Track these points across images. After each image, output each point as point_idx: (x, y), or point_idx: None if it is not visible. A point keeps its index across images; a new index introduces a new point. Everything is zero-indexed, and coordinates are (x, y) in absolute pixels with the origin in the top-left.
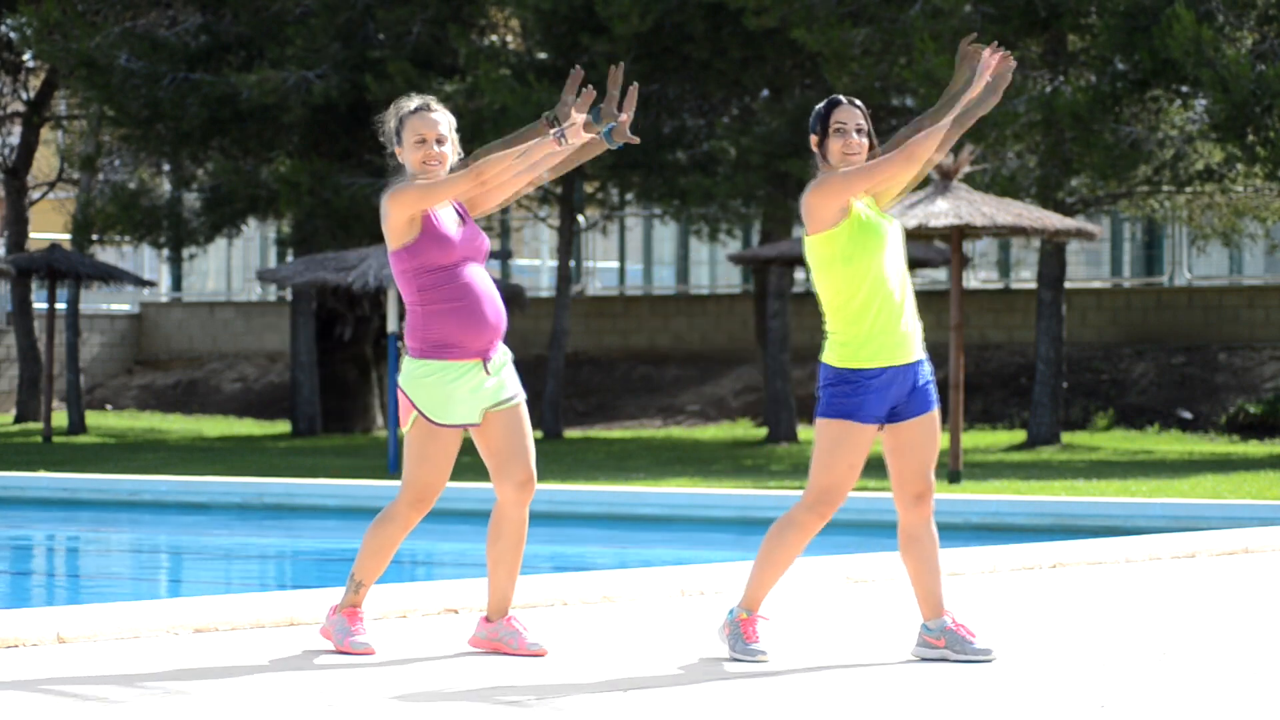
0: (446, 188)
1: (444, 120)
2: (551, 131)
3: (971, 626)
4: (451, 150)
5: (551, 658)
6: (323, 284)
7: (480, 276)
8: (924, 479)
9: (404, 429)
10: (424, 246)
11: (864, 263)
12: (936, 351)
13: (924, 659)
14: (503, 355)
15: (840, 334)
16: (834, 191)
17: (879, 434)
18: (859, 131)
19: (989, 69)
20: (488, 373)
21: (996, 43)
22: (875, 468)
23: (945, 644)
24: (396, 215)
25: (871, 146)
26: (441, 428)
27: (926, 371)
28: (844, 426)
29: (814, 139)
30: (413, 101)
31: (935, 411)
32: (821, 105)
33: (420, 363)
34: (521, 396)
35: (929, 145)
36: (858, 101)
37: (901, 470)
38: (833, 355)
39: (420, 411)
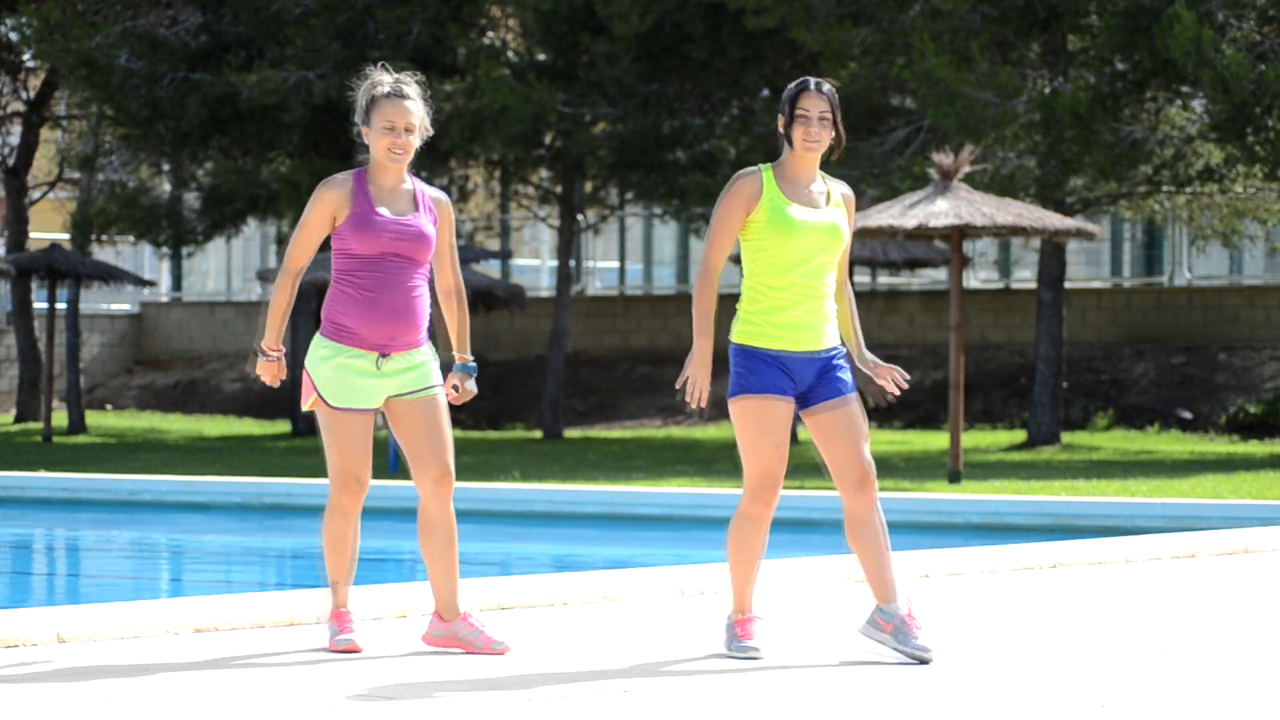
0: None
1: (417, 108)
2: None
3: (920, 620)
4: (419, 137)
5: (552, 657)
6: (323, 284)
7: (403, 276)
8: (859, 464)
9: (304, 407)
10: (346, 232)
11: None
12: (936, 352)
13: (868, 637)
14: (406, 360)
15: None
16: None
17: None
18: (821, 120)
19: (879, 380)
20: (377, 369)
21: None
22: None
23: (892, 630)
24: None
25: (837, 134)
26: (338, 411)
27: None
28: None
29: (781, 120)
30: (385, 82)
31: (850, 396)
32: (792, 87)
33: (324, 342)
34: (439, 389)
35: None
36: (828, 87)
37: (833, 459)
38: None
39: (318, 393)
